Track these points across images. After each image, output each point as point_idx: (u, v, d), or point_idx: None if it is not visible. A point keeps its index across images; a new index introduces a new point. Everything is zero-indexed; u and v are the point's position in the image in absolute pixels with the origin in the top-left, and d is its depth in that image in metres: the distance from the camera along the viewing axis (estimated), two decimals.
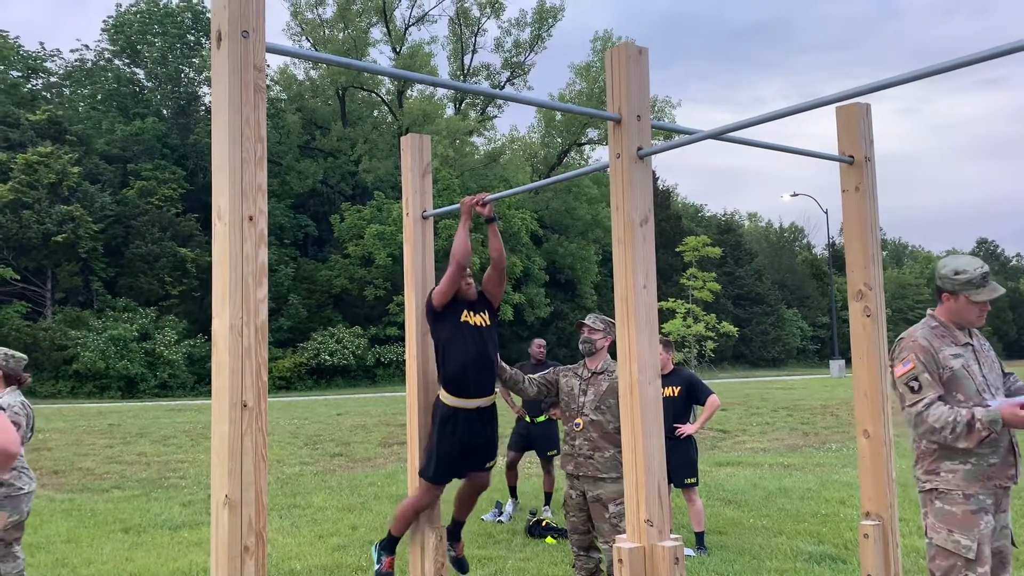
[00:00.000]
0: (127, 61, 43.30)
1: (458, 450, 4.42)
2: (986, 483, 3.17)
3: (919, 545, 6.35)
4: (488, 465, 4.73)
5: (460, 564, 4.85)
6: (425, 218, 4.40)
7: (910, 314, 61.68)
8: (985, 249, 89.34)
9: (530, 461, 10.26)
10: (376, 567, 4.67)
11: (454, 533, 4.86)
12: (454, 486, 4.62)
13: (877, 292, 3.65)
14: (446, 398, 4.42)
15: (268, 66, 45.87)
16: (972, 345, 3.33)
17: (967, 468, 3.18)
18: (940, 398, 3.28)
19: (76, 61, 43.35)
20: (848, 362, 3.63)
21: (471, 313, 4.51)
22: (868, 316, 3.63)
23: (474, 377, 4.44)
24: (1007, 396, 3.37)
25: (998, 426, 3.06)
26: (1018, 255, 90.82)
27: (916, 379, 3.30)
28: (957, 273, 3.36)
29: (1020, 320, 64.63)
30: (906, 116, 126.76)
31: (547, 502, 7.92)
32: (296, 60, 47.37)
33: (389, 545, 4.67)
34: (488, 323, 4.58)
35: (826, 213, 41.97)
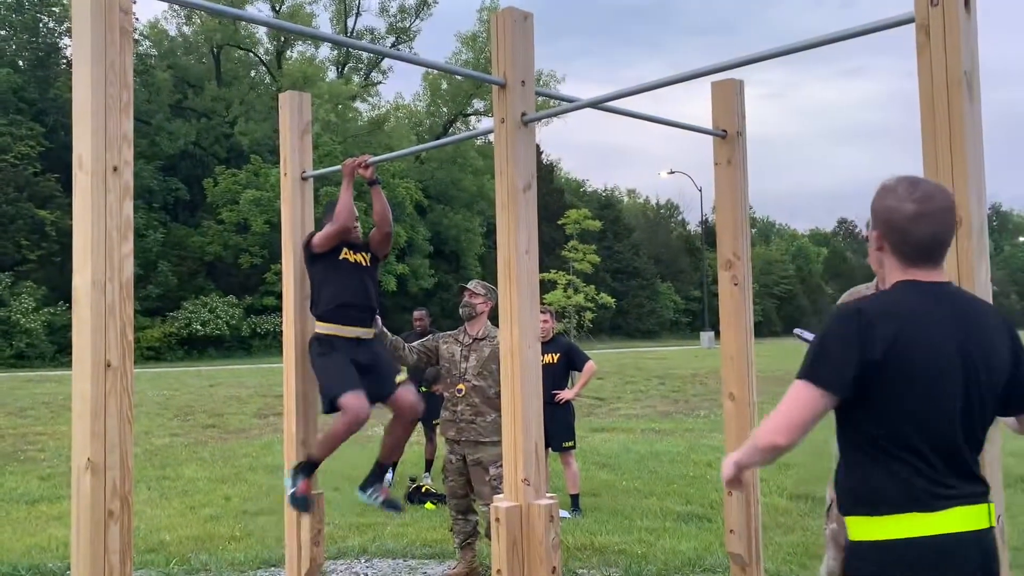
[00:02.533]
0: None
1: (349, 365, 4.14)
2: None
3: (778, 503, 6.76)
4: (397, 380, 4.40)
5: (392, 505, 4.58)
6: (304, 179, 4.28)
7: (775, 289, 64.95)
8: (845, 228, 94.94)
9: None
10: (290, 491, 4.22)
11: (378, 475, 4.54)
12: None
13: (745, 261, 3.82)
14: (321, 327, 4.20)
15: (136, 19, 43.28)
16: None
17: None
18: None
19: None
20: (717, 334, 3.79)
21: (351, 251, 4.36)
22: (736, 284, 3.81)
23: (353, 309, 4.24)
24: None
25: None
26: None
27: None
28: None
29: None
30: (773, 101, 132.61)
31: (427, 469, 7.95)
32: (168, 14, 44.93)
33: (307, 468, 4.20)
34: (368, 263, 4.43)
35: (700, 191, 43.55)
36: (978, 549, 1.89)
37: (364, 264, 4.41)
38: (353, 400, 4.08)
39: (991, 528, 1.91)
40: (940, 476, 1.92)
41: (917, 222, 1.92)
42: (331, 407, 4.17)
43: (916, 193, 1.93)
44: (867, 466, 1.97)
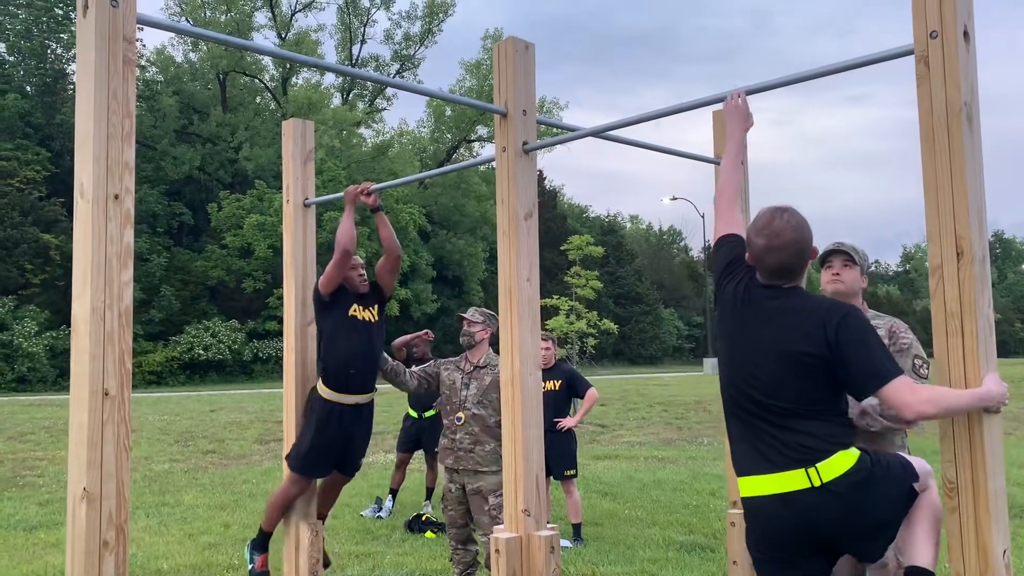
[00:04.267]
0: None
1: (333, 446, 4.35)
2: None
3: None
4: (358, 465, 4.68)
5: None
6: (307, 206, 4.30)
7: None
8: None
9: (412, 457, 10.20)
10: (250, 567, 4.46)
11: (262, 543, 4.57)
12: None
13: None
14: (325, 392, 4.32)
15: (143, 46, 43.71)
16: None
17: None
18: None
19: None
20: None
21: (360, 307, 4.44)
22: None
23: (357, 373, 4.37)
24: None
25: None
26: (876, 261, 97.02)
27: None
28: None
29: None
30: (776, 127, 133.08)
31: (428, 497, 7.89)
32: (175, 41, 45.41)
33: (261, 543, 4.49)
34: (376, 319, 4.53)
35: (702, 217, 43.56)
36: (787, 508, 2.39)
37: (373, 321, 4.48)
38: (300, 483, 4.33)
39: (807, 489, 2.35)
40: (747, 446, 2.52)
41: (764, 255, 2.51)
42: (292, 468, 4.35)
43: (767, 230, 2.50)
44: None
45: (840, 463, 2.35)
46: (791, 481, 2.38)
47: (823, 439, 2.38)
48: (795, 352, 2.42)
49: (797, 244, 2.50)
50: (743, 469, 2.52)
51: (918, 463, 2.52)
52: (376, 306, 4.54)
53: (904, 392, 2.31)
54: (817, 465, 2.35)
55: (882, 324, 3.34)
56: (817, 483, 2.35)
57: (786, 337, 2.45)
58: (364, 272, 4.54)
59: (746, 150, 3.07)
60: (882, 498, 2.38)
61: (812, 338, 2.40)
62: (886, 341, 3.31)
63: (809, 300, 2.52)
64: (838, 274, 3.33)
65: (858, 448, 2.42)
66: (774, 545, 2.48)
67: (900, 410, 2.33)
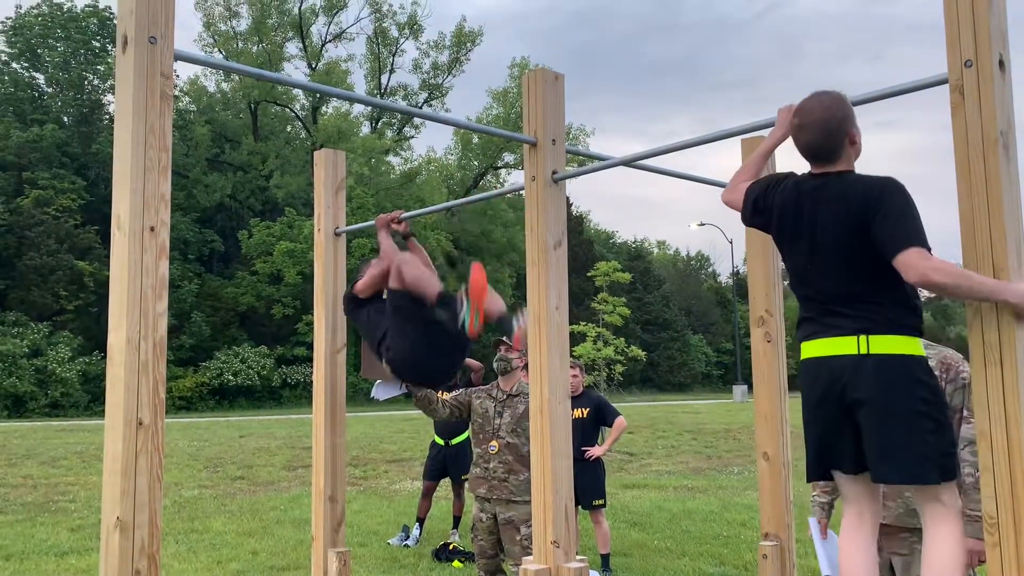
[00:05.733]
0: (26, 65, 41.36)
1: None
2: None
3: (814, 565, 6.55)
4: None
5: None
6: (338, 235, 4.33)
7: None
8: None
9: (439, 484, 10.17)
10: None
11: None
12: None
13: (778, 318, 3.78)
14: None
15: (177, 76, 44.66)
16: None
17: None
18: None
19: None
20: (750, 387, 3.78)
21: None
22: (769, 341, 3.76)
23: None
24: None
25: None
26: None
27: None
28: None
29: None
30: None
31: (455, 525, 7.85)
32: (207, 71, 46.30)
33: None
34: None
35: (731, 243, 43.41)
36: (827, 368, 2.54)
37: None
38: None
39: (845, 355, 2.49)
40: (813, 315, 2.66)
41: (797, 134, 2.60)
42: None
43: (801, 110, 2.59)
44: None
45: (896, 344, 2.44)
46: (842, 346, 2.50)
47: (883, 320, 2.46)
48: (847, 233, 2.48)
49: (825, 122, 2.52)
50: (804, 335, 2.67)
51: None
52: None
53: (915, 257, 2.33)
54: (870, 336, 2.45)
55: (933, 355, 3.25)
56: (864, 351, 2.44)
57: (837, 220, 2.50)
58: None
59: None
60: (910, 403, 2.40)
61: (860, 215, 2.46)
62: (937, 373, 3.22)
63: (853, 179, 2.55)
64: None
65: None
66: (813, 405, 2.61)
67: (906, 272, 2.35)
